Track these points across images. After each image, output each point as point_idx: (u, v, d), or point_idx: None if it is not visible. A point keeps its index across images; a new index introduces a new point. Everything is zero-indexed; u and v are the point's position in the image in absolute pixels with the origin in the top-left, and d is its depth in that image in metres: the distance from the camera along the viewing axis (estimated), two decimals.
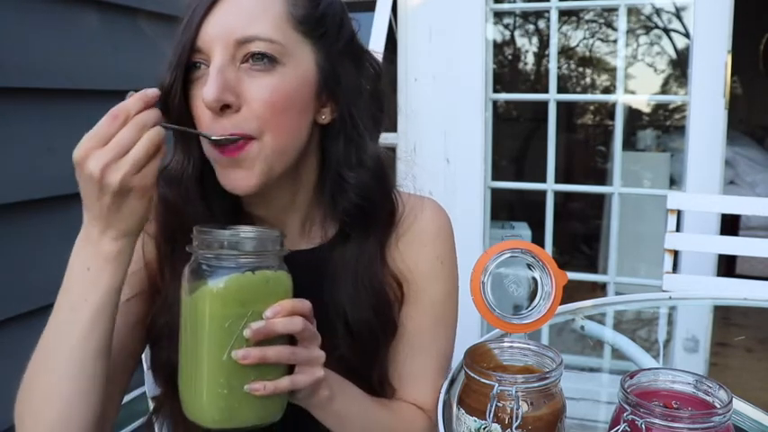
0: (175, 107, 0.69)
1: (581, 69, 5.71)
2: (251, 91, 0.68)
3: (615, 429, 0.58)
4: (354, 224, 0.78)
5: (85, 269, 0.66)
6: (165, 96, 0.68)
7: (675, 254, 1.57)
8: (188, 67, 0.69)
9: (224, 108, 0.67)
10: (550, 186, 2.27)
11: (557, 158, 2.27)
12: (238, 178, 0.70)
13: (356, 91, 0.76)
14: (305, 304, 0.64)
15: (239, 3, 0.68)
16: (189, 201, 0.74)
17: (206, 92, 0.66)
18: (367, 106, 0.78)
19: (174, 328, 0.69)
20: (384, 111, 0.82)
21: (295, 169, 0.75)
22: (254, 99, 0.68)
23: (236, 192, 0.71)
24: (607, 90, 5.43)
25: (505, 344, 0.72)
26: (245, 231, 0.66)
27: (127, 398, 1.80)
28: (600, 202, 3.76)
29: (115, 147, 0.59)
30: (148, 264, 0.79)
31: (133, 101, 0.61)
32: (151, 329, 0.78)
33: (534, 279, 0.73)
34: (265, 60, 0.68)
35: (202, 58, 0.69)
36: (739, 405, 0.80)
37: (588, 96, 5.74)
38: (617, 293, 2.22)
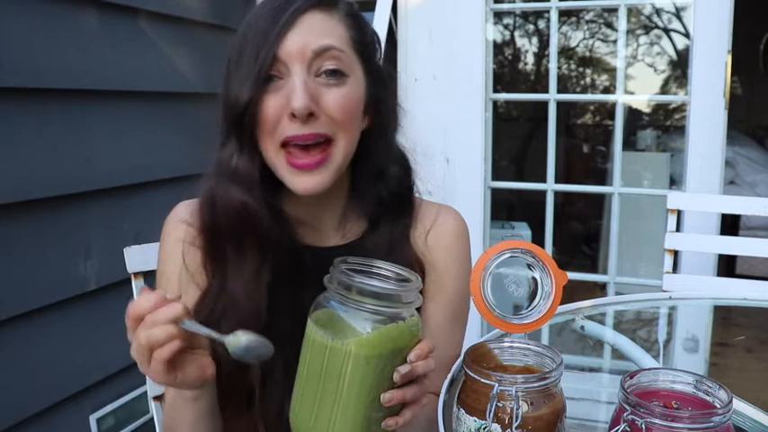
0: (252, 117, 0.78)
1: (581, 69, 5.71)
2: (328, 100, 0.78)
3: (615, 429, 0.58)
4: (386, 212, 0.89)
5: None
6: (244, 108, 0.77)
7: (675, 254, 1.56)
8: (264, 80, 0.78)
9: (308, 116, 0.76)
10: (550, 186, 2.27)
11: (557, 158, 2.27)
12: (313, 182, 0.79)
13: (386, 101, 0.89)
14: (431, 344, 0.69)
15: (312, 22, 0.79)
16: (257, 201, 0.81)
17: (297, 100, 0.75)
18: (393, 113, 0.91)
19: (214, 316, 0.81)
20: (398, 116, 0.94)
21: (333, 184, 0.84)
22: (331, 106, 0.78)
23: (309, 193, 0.80)
24: (607, 90, 5.43)
25: (505, 344, 0.72)
26: (392, 276, 0.69)
27: (127, 398, 1.82)
28: (600, 202, 3.76)
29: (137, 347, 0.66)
30: (195, 271, 0.87)
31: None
32: (195, 318, 0.83)
33: (534, 279, 0.73)
34: (338, 74, 0.79)
35: (278, 71, 0.78)
36: (739, 405, 0.80)
37: (588, 96, 5.74)
38: (617, 293, 2.22)
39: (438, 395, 0.83)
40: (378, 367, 0.64)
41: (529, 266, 0.73)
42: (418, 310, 0.69)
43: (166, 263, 0.89)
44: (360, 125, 0.84)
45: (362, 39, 0.84)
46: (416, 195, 0.94)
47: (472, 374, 0.64)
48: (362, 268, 0.68)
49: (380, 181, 0.88)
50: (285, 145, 0.78)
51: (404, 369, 0.65)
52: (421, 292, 0.69)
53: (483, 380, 0.63)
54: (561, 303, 0.74)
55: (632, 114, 5.05)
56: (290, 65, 0.77)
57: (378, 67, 0.88)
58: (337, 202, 0.90)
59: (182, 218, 0.88)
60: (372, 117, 0.87)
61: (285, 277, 0.84)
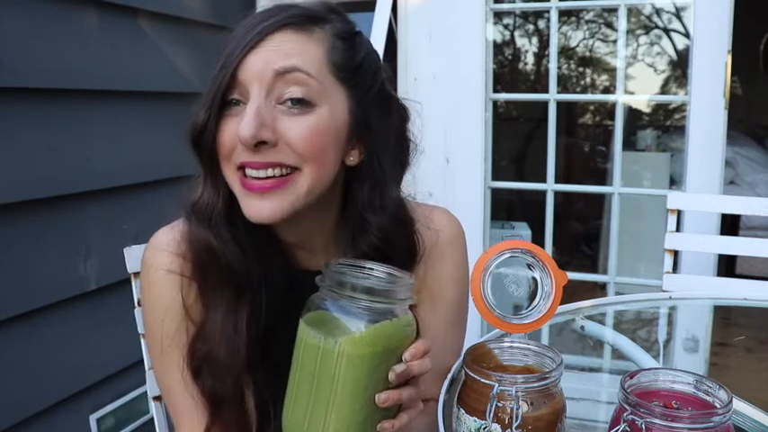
0: (208, 144, 0.72)
1: (581, 69, 5.71)
2: (289, 129, 0.70)
3: (615, 429, 0.58)
4: (375, 259, 0.79)
5: None
6: (199, 133, 0.72)
7: (675, 254, 1.56)
8: (223, 104, 0.72)
9: (259, 144, 0.69)
10: (550, 186, 2.26)
11: (557, 158, 2.27)
12: (265, 208, 0.72)
13: (384, 137, 0.78)
14: (427, 344, 0.66)
15: (281, 42, 0.71)
16: (219, 236, 0.76)
17: (242, 128, 0.68)
18: (393, 151, 0.80)
19: (211, 355, 0.76)
20: (409, 155, 0.84)
21: (318, 207, 0.77)
22: (293, 137, 0.70)
23: (261, 221, 0.73)
24: (607, 90, 5.43)
25: (505, 344, 0.71)
26: (385, 275, 0.67)
27: (127, 398, 1.82)
28: (600, 202, 3.76)
29: None
30: (190, 307, 0.81)
31: None
32: (191, 359, 0.80)
33: (534, 279, 0.73)
34: (303, 103, 0.71)
35: (240, 94, 0.71)
36: (739, 405, 0.80)
37: (588, 96, 5.74)
38: (617, 293, 2.22)
39: (437, 402, 0.83)
40: (372, 366, 0.62)
41: (529, 266, 0.73)
42: (414, 315, 0.68)
43: (157, 299, 0.81)
44: (335, 159, 0.75)
45: (349, 63, 0.75)
46: (409, 198, 0.87)
47: (472, 374, 0.64)
48: (355, 267, 0.67)
49: (362, 230, 0.78)
50: (241, 168, 0.72)
51: (399, 368, 0.63)
52: (414, 304, 0.66)
53: (483, 380, 0.63)
54: (561, 303, 0.74)
55: (632, 114, 5.05)
56: (250, 87, 0.70)
57: (373, 95, 0.78)
58: (326, 225, 0.83)
59: (166, 247, 0.80)
60: (361, 152, 0.78)
61: (279, 305, 0.79)
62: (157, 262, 0.80)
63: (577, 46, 5.58)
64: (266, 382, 0.79)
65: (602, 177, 4.12)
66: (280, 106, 0.71)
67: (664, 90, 5.27)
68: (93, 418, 1.57)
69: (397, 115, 0.82)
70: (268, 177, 0.71)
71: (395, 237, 0.80)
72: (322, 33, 0.74)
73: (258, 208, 0.72)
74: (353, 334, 0.62)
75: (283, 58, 0.70)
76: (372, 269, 0.67)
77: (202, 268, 0.78)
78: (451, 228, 0.90)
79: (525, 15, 5.30)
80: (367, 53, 0.78)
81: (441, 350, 0.86)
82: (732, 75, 1.99)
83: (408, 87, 2.22)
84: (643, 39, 5.27)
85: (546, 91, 2.24)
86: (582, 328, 1.11)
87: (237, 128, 0.69)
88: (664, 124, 5.21)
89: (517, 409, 0.61)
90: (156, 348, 0.83)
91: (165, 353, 0.81)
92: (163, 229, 0.83)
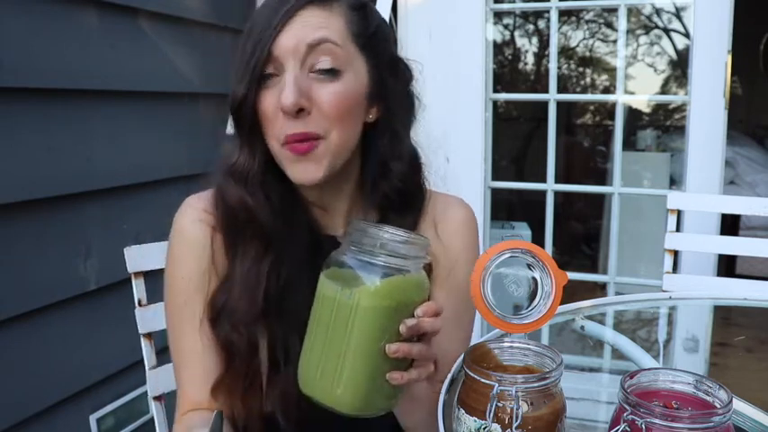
0: (249, 114, 0.80)
1: (581, 69, 5.71)
2: (320, 96, 0.79)
3: (615, 429, 0.58)
4: (393, 207, 0.89)
5: None
6: (240, 105, 0.79)
7: (675, 254, 1.56)
8: (260, 78, 0.79)
9: (299, 112, 0.77)
10: (550, 186, 2.27)
11: (557, 158, 2.27)
12: (307, 171, 0.80)
13: (396, 95, 0.88)
14: (439, 306, 0.70)
15: (308, 18, 0.79)
16: (254, 195, 0.83)
17: (285, 98, 0.76)
18: (403, 107, 0.90)
19: (229, 306, 0.83)
20: (415, 110, 0.93)
21: (341, 168, 0.85)
22: (324, 103, 0.79)
23: (304, 183, 0.81)
24: (607, 90, 5.43)
25: (505, 344, 0.71)
26: (403, 235, 0.70)
27: (127, 398, 1.81)
28: (600, 202, 3.76)
29: None
30: (215, 258, 0.88)
31: None
32: (211, 308, 0.86)
33: (534, 279, 0.73)
34: (332, 72, 0.79)
35: (275, 68, 0.79)
36: (739, 405, 0.80)
37: (588, 96, 5.74)
38: (617, 293, 2.22)
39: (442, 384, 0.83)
40: (385, 319, 0.65)
41: (529, 266, 0.73)
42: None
43: (186, 244, 0.88)
44: (359, 119, 0.84)
45: (365, 31, 0.83)
46: (427, 187, 0.94)
47: (472, 374, 0.64)
48: (374, 226, 0.70)
49: (384, 176, 0.88)
50: (285, 143, 0.80)
51: (410, 321, 0.66)
52: (429, 272, 0.69)
53: (483, 380, 0.63)
54: (561, 303, 0.74)
55: (632, 114, 5.05)
56: (285, 62, 0.78)
57: (386, 59, 0.87)
58: (346, 190, 0.90)
59: (197, 204, 0.88)
60: (378, 109, 0.87)
61: (299, 263, 0.85)
62: (189, 214, 0.89)
63: (577, 46, 5.58)
64: (281, 338, 0.84)
65: (602, 177, 4.12)
66: (312, 75, 0.79)
67: (664, 90, 5.27)
68: (93, 418, 1.57)
69: (406, 75, 0.91)
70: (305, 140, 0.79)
71: (411, 180, 0.90)
72: (339, 8, 0.82)
73: (302, 171, 0.80)
74: (368, 286, 0.65)
75: (313, 31, 0.78)
76: (390, 230, 0.70)
77: (235, 224, 0.85)
78: (465, 212, 0.96)
79: (525, 15, 5.30)
80: (380, 21, 0.87)
81: (450, 332, 0.87)
82: (732, 75, 1.99)
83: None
84: (643, 39, 5.27)
85: (546, 91, 2.24)
86: (582, 328, 1.11)
87: (279, 97, 0.77)
88: (664, 124, 5.21)
89: (517, 409, 0.61)
90: (178, 297, 0.88)
91: (190, 298, 0.86)
92: (191, 196, 0.91)
